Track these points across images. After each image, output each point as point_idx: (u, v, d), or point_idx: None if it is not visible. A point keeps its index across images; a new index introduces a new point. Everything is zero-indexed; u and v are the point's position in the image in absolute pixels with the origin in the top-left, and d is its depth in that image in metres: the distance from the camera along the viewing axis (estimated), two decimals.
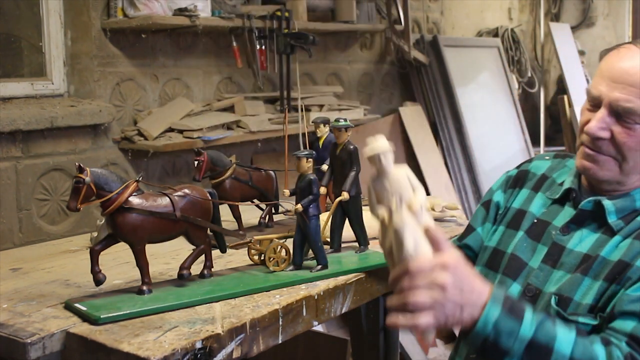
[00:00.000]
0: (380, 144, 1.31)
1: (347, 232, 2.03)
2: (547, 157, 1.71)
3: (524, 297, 1.48)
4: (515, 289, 1.51)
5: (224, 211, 2.08)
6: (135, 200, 1.62)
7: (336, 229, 2.00)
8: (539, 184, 1.64)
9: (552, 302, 1.41)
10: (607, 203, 1.46)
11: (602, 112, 1.42)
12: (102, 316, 1.51)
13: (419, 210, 1.25)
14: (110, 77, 2.97)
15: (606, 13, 6.49)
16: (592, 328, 1.38)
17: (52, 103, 2.81)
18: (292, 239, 1.86)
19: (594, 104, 1.45)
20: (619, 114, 1.40)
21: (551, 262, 1.48)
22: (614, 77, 1.41)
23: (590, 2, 6.47)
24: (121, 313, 1.54)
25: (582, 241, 1.46)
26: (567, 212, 1.53)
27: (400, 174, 1.29)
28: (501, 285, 1.53)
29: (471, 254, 1.70)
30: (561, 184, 1.59)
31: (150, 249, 1.68)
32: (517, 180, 1.68)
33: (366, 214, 2.09)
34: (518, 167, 1.73)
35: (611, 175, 1.45)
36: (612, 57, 1.46)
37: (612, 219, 1.45)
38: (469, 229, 1.73)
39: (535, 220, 1.56)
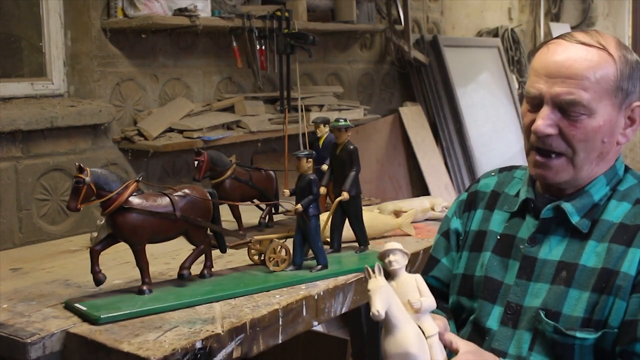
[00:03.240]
0: (391, 244, 1.32)
1: (347, 232, 2.03)
2: (493, 174, 1.70)
3: (506, 316, 1.47)
4: (496, 311, 1.49)
5: (224, 211, 2.08)
6: (135, 200, 1.62)
7: (336, 229, 2.00)
8: (491, 202, 1.62)
9: (542, 316, 1.40)
10: (567, 205, 1.45)
11: (546, 109, 1.41)
12: (102, 316, 1.51)
13: (420, 311, 1.28)
14: (110, 77, 2.97)
15: (606, 13, 6.50)
16: (593, 341, 1.37)
17: (52, 103, 2.81)
18: (292, 239, 1.86)
19: (535, 103, 1.44)
20: (563, 108, 1.40)
21: (526, 275, 1.46)
22: (551, 73, 1.41)
23: (590, 2, 6.47)
24: (121, 313, 1.54)
25: (553, 249, 1.46)
26: (529, 223, 1.52)
27: (409, 278, 1.31)
28: (480, 310, 1.52)
29: (439, 285, 1.67)
30: (516, 195, 1.57)
31: (150, 249, 1.68)
32: (470, 203, 1.67)
33: (366, 214, 2.09)
34: (467, 189, 1.72)
35: (567, 176, 1.44)
36: (543, 54, 1.45)
37: (575, 220, 1.44)
38: (433, 261, 1.69)
39: (499, 237, 1.55)
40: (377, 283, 1.24)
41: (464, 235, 1.64)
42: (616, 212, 1.44)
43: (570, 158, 1.43)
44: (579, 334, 1.36)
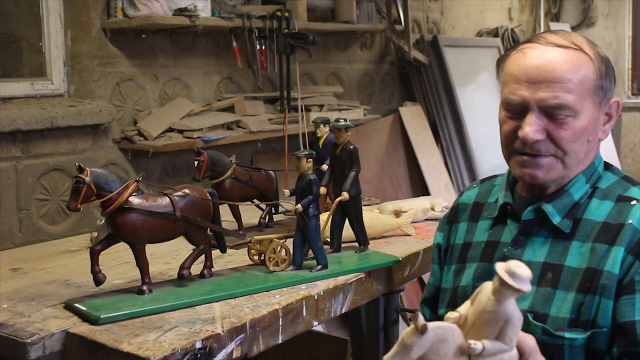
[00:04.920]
0: (525, 272, 1.03)
1: (347, 232, 2.03)
2: (474, 185, 1.71)
3: None
4: None
5: (224, 211, 2.08)
6: (135, 200, 1.62)
7: (336, 229, 2.00)
8: (474, 213, 1.63)
9: (531, 319, 1.40)
10: (547, 207, 1.45)
11: (532, 116, 1.40)
12: (102, 316, 1.51)
13: (474, 355, 1.04)
14: (110, 77, 2.97)
15: (606, 13, 6.50)
16: (583, 341, 1.36)
17: (52, 103, 2.81)
18: (292, 239, 1.86)
19: (517, 110, 1.43)
20: (549, 113, 1.40)
21: None
22: (533, 79, 1.40)
23: (590, 2, 6.47)
24: (121, 313, 1.54)
25: (537, 251, 1.46)
26: (511, 227, 1.52)
27: (505, 313, 1.04)
28: None
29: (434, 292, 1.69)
30: (496, 202, 1.58)
31: (150, 249, 1.68)
32: (452, 217, 1.68)
33: (366, 214, 2.09)
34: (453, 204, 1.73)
35: (557, 174, 1.44)
36: (520, 60, 1.44)
37: (557, 220, 1.44)
38: (435, 289, 1.70)
39: (483, 245, 1.56)
40: (409, 337, 1.01)
41: (449, 249, 1.65)
42: (599, 211, 1.44)
43: (561, 158, 1.43)
44: (567, 334, 1.36)
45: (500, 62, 1.52)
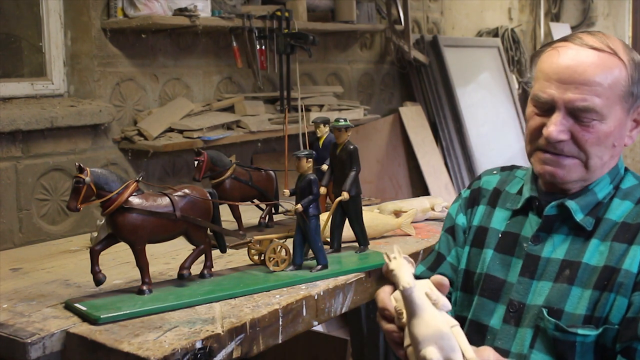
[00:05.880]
0: (393, 250, 1.24)
1: (347, 232, 2.03)
2: (495, 172, 1.71)
3: (508, 314, 1.47)
4: (499, 309, 1.49)
5: (224, 211, 2.08)
6: (135, 200, 1.62)
7: (336, 229, 2.00)
8: (493, 199, 1.63)
9: (545, 314, 1.41)
10: (571, 203, 1.46)
11: (559, 115, 1.41)
12: (102, 316, 1.51)
13: (438, 305, 1.20)
14: (110, 77, 2.97)
15: (606, 13, 6.50)
16: (594, 338, 1.37)
17: (52, 103, 2.81)
18: (292, 239, 1.86)
19: (545, 108, 1.44)
20: (575, 114, 1.40)
21: (529, 273, 1.47)
22: (563, 79, 1.40)
23: (591, 2, 6.47)
24: (121, 313, 1.54)
25: (556, 247, 1.46)
26: (533, 221, 1.52)
27: (419, 283, 1.21)
28: (482, 309, 1.52)
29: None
30: (518, 193, 1.58)
31: (150, 249, 1.68)
32: (473, 199, 1.67)
33: (366, 214, 2.09)
34: (469, 187, 1.72)
35: (578, 175, 1.45)
36: (553, 58, 1.44)
37: (579, 217, 1.45)
38: (440, 258, 1.68)
39: (501, 235, 1.55)
40: (399, 262, 1.19)
41: (468, 231, 1.65)
42: (619, 210, 1.45)
43: (584, 161, 1.43)
44: (580, 331, 1.37)
45: (534, 57, 1.53)
